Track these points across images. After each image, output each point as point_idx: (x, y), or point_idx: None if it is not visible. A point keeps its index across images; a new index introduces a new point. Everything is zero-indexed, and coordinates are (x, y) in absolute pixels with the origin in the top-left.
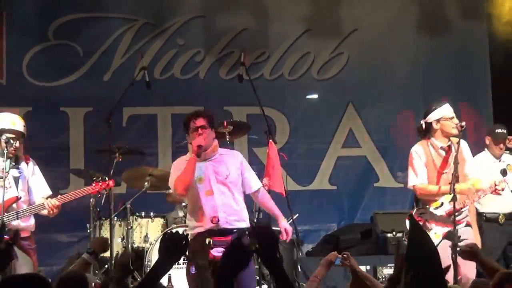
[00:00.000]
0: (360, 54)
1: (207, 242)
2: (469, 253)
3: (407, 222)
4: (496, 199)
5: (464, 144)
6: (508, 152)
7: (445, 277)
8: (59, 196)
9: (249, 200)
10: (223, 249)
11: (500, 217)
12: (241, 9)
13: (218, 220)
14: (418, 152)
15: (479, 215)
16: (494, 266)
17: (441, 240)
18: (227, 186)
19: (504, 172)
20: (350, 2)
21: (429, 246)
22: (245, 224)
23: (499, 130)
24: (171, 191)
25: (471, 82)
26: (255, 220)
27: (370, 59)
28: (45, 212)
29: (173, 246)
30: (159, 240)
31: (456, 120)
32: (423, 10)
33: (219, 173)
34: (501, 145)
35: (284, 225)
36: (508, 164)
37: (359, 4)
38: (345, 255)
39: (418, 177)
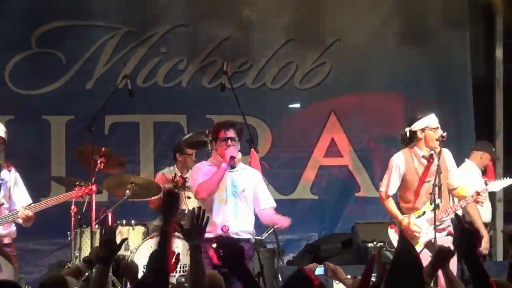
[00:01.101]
0: (342, 64)
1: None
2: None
3: (390, 231)
4: (481, 209)
5: (447, 153)
6: None
7: None
8: (38, 203)
9: None
10: None
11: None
12: (224, 18)
13: (228, 229)
14: (398, 161)
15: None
16: (454, 280)
17: (422, 249)
18: (241, 199)
19: (486, 184)
20: (333, 12)
21: (415, 262)
22: (250, 236)
23: (494, 149)
24: (153, 198)
25: (453, 92)
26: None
27: (353, 69)
28: (20, 220)
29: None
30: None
31: (440, 131)
32: (406, 21)
33: (236, 185)
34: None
35: (279, 218)
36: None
37: (342, 14)
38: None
39: (386, 187)
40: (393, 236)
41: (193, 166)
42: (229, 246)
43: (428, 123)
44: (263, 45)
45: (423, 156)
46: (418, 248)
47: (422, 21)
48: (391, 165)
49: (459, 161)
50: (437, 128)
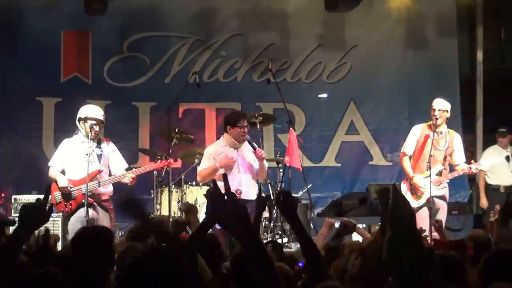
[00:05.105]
0: (359, 64)
1: None
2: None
3: (402, 185)
4: (498, 175)
5: (457, 137)
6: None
7: (421, 240)
8: (134, 169)
9: (274, 173)
10: None
11: (501, 188)
12: (269, 29)
13: (241, 193)
14: (416, 130)
15: (487, 185)
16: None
17: (423, 204)
18: (250, 168)
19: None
20: (353, 24)
21: (408, 212)
22: (254, 196)
23: None
24: None
25: (444, 87)
26: (278, 189)
27: (367, 68)
28: (126, 180)
29: (217, 200)
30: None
31: (437, 113)
32: (409, 30)
33: (245, 159)
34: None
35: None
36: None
37: (359, 25)
38: (341, 221)
39: (405, 148)
40: (404, 189)
41: (206, 149)
42: (288, 197)
43: (432, 104)
44: (299, 49)
45: (435, 131)
46: (421, 201)
47: (421, 30)
48: (411, 131)
49: None
50: (434, 110)
